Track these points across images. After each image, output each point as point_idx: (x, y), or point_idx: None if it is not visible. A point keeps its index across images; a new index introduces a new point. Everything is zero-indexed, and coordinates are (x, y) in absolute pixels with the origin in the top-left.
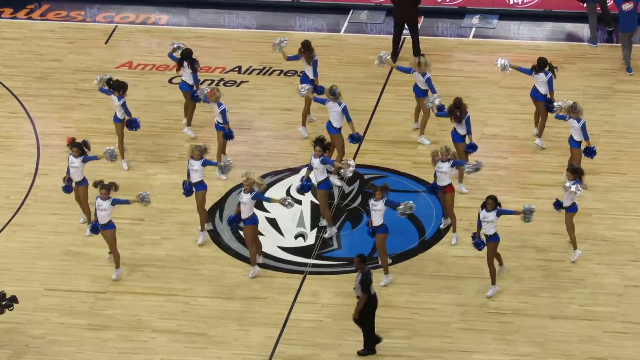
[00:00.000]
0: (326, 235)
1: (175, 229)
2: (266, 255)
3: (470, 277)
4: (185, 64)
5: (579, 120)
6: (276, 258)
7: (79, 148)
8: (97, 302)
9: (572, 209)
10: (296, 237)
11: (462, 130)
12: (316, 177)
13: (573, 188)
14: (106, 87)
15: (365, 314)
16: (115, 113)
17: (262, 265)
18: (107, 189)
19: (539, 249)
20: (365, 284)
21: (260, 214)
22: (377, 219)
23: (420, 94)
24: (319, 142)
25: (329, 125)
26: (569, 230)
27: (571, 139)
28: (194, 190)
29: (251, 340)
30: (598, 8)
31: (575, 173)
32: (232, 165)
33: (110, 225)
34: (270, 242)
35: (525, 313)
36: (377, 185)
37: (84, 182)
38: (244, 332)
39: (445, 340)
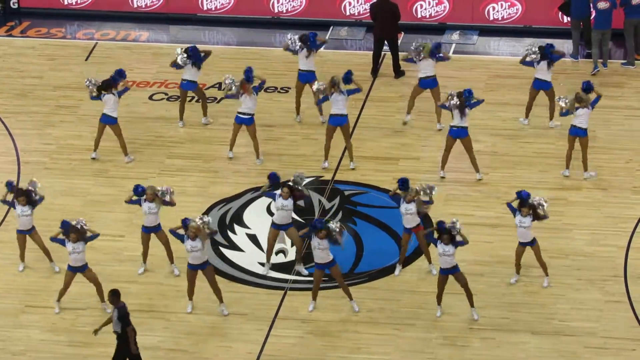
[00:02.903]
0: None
1: (156, 246)
2: (247, 272)
3: (451, 292)
4: (190, 62)
5: (590, 107)
6: (257, 274)
7: (27, 196)
8: (78, 318)
9: (534, 242)
10: (277, 253)
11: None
12: (286, 218)
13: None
14: (95, 94)
15: (122, 346)
16: (109, 116)
17: (242, 281)
18: (77, 233)
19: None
20: (125, 318)
21: (241, 230)
22: (325, 256)
23: (430, 84)
24: (288, 185)
25: (339, 118)
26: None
27: (577, 129)
28: (154, 232)
29: (232, 357)
30: (581, 24)
31: (532, 207)
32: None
33: (86, 266)
34: (250, 259)
35: (506, 329)
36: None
37: (32, 229)
38: (225, 348)
39: (427, 356)
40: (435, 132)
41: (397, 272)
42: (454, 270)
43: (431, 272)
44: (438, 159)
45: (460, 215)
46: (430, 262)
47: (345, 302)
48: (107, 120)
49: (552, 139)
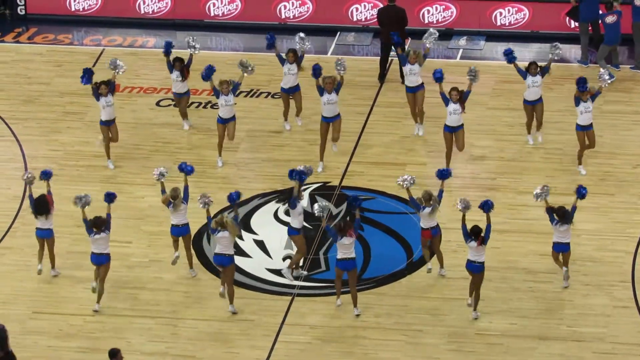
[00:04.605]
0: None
1: (164, 252)
2: (254, 278)
3: (458, 298)
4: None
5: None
6: (264, 280)
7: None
8: (85, 324)
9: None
10: (284, 259)
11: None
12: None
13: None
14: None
15: None
16: (105, 120)
17: (249, 287)
18: (98, 226)
19: (527, 270)
20: (3, 342)
21: (248, 236)
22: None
23: (412, 89)
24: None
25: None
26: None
27: (581, 126)
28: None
29: None
30: (590, 29)
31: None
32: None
33: (107, 258)
34: (257, 264)
35: (514, 334)
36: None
37: (52, 234)
38: (232, 354)
39: None
40: (441, 138)
41: (429, 267)
42: (478, 268)
43: (440, 274)
44: (444, 164)
45: (467, 220)
46: (442, 266)
47: (351, 307)
48: (106, 124)
49: (560, 144)
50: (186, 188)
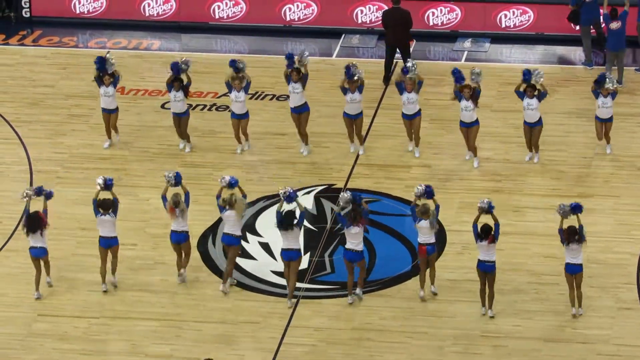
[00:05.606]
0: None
1: (168, 254)
2: (259, 280)
3: (463, 300)
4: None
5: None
6: (269, 282)
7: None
8: (90, 327)
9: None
10: None
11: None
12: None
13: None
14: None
15: None
16: (103, 104)
17: (254, 289)
18: (105, 208)
19: (532, 272)
20: None
21: (253, 239)
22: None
23: (409, 117)
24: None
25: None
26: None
27: (600, 117)
28: (182, 241)
29: None
30: (592, 31)
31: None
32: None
33: (116, 240)
34: (263, 267)
35: (519, 336)
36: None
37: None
38: (237, 356)
39: None
40: (447, 141)
41: (421, 294)
42: (490, 267)
43: (432, 291)
44: (449, 166)
45: (470, 222)
46: (432, 282)
47: (357, 310)
48: (105, 111)
49: (564, 145)
50: (187, 194)
